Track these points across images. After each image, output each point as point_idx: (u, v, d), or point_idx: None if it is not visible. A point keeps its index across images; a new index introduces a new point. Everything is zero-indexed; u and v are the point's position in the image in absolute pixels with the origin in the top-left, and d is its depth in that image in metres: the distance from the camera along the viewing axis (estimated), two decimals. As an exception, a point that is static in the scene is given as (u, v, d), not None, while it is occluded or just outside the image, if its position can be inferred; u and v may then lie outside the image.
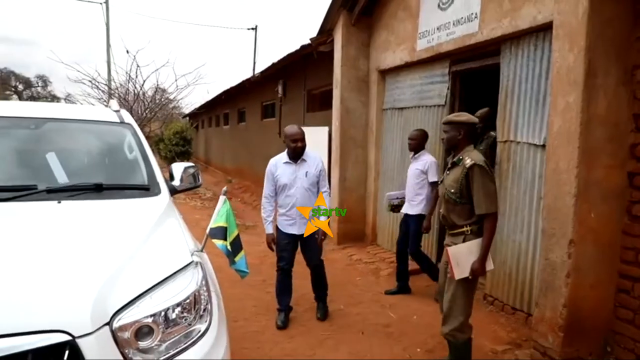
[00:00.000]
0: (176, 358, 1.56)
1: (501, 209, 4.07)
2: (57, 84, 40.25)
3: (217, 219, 1.90)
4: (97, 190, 2.38)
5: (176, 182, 2.89)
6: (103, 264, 1.61)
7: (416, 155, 4.50)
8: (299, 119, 8.88)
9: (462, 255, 2.74)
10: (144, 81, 13.37)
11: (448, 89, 4.84)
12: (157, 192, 2.54)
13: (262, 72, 10.06)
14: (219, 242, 1.84)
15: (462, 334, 2.89)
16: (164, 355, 1.55)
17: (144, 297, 1.55)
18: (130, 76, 13.25)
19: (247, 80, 11.22)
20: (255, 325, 3.91)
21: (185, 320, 1.63)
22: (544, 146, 3.52)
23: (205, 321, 1.69)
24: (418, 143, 4.48)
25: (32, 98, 37.02)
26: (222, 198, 2.07)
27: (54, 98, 35.62)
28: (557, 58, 3.15)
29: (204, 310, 1.72)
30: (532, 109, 3.74)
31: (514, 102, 3.96)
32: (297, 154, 3.75)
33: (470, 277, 2.74)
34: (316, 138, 7.45)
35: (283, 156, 3.82)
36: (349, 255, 5.98)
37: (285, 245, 3.89)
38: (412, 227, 4.50)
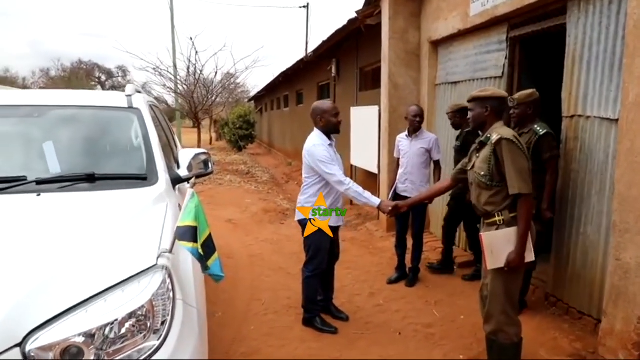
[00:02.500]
0: None
1: (567, 195, 3.50)
2: (136, 73, 42.69)
3: (184, 217, 1.63)
4: (89, 181, 2.23)
5: (183, 170, 2.67)
6: (31, 272, 1.40)
7: (417, 134, 4.26)
8: (352, 98, 8.48)
9: (497, 244, 2.42)
10: (203, 66, 13.55)
11: (506, 57, 4.22)
12: (154, 181, 2.34)
13: (314, 51, 9.73)
14: (187, 245, 1.57)
15: (505, 334, 2.52)
16: None
17: (75, 310, 1.33)
18: (190, 61, 13.49)
19: (301, 60, 10.94)
20: (284, 319, 3.68)
21: (133, 336, 1.39)
22: (619, 121, 2.89)
23: (160, 337, 1.44)
24: (423, 119, 4.31)
25: (114, 88, 39.56)
26: (189, 192, 1.79)
27: (132, 87, 37.71)
28: (634, 8, 2.51)
29: (162, 323, 1.47)
30: (605, 77, 3.09)
31: (583, 69, 3.31)
32: (337, 130, 3.37)
33: (505, 269, 2.41)
34: (366, 118, 7.04)
35: (323, 137, 3.32)
36: (398, 243, 5.58)
37: (328, 243, 3.37)
38: (421, 209, 4.28)
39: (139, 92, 3.78)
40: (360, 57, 8.14)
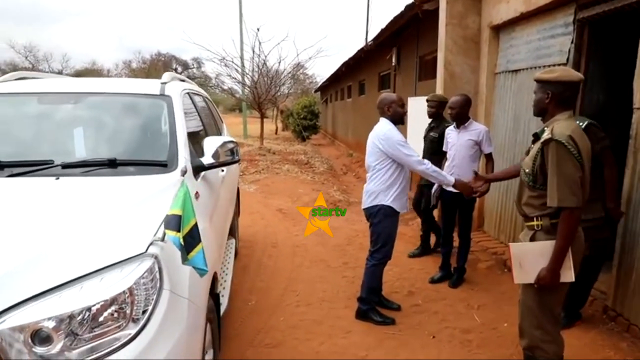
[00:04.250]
0: None
1: (634, 198, 3.10)
2: (209, 65, 44.48)
3: (173, 205, 1.59)
4: (111, 166, 2.27)
5: (207, 158, 2.66)
6: (9, 256, 1.41)
7: (465, 125, 3.99)
8: (411, 89, 8.16)
9: (527, 256, 2.15)
10: (266, 56, 13.74)
11: (572, 42, 3.79)
12: (174, 168, 2.34)
13: (374, 40, 9.48)
14: (171, 234, 1.53)
15: (542, 352, 2.25)
16: None
17: (49, 295, 1.32)
18: (254, 52, 13.73)
19: (362, 50, 10.72)
20: (315, 313, 3.60)
21: (109, 324, 1.37)
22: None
23: (138, 326, 1.41)
24: (461, 112, 3.96)
25: (189, 78, 41.42)
26: (179, 179, 1.74)
27: (206, 78, 39.37)
28: None
29: (144, 312, 1.44)
30: (685, 62, 2.67)
31: (659, 54, 2.89)
32: (402, 121, 3.42)
33: (535, 286, 2.15)
34: (421, 108, 6.70)
35: (391, 124, 3.33)
36: (448, 241, 5.29)
37: (397, 232, 3.45)
38: (469, 205, 4.09)
39: (183, 80, 3.85)
40: (420, 45, 7.81)
